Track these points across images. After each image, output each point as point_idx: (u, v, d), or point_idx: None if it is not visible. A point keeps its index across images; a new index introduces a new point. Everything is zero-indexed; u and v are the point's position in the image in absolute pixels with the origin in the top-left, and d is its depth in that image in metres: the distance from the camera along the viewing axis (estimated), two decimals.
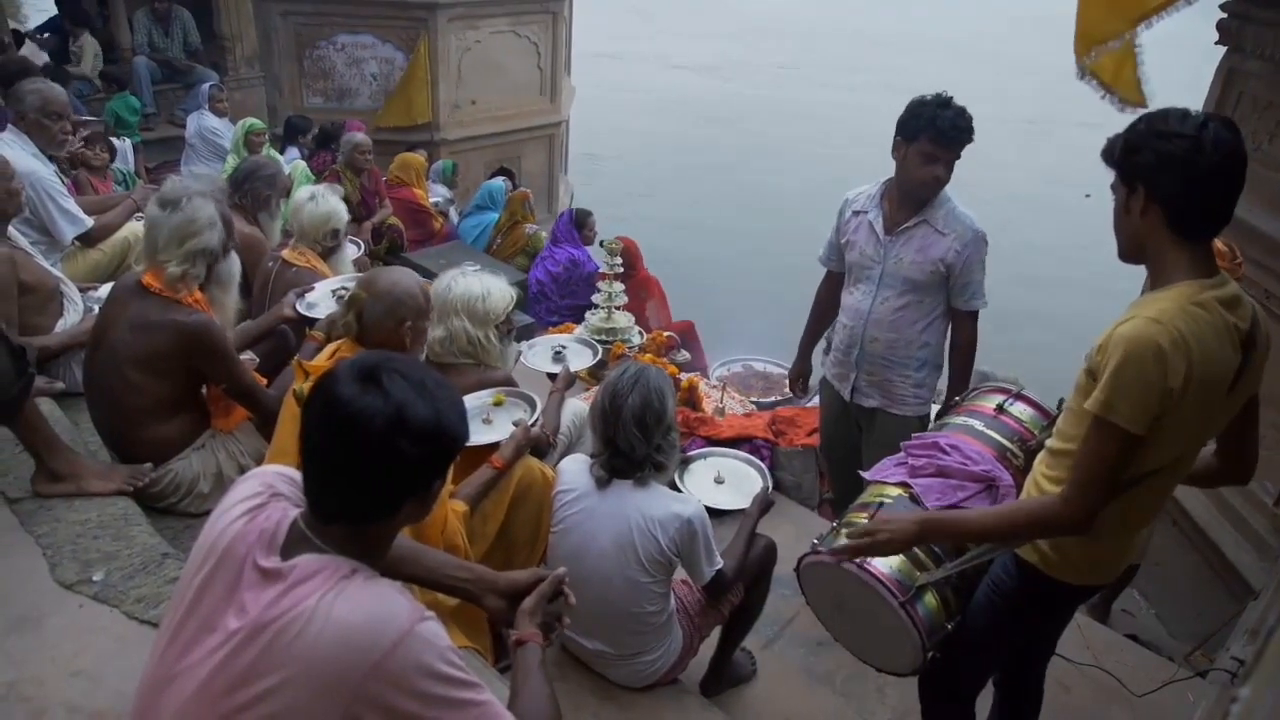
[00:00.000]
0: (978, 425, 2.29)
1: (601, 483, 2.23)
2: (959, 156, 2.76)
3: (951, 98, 2.73)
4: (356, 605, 1.19)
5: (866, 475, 2.33)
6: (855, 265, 3.01)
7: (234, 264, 2.80)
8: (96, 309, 2.92)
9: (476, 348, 2.65)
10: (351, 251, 4.05)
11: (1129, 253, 1.75)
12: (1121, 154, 1.67)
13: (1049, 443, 1.86)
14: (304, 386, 2.23)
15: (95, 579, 2.18)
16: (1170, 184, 1.60)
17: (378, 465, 1.22)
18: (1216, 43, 3.96)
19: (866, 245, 2.94)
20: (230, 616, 1.22)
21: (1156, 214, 1.64)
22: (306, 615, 1.18)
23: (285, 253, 3.57)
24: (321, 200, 3.63)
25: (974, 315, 2.94)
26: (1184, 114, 1.62)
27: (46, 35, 8.63)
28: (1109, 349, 1.60)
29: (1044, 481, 1.82)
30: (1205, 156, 1.55)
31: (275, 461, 2.13)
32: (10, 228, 3.06)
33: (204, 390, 2.77)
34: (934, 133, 2.68)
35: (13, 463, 2.54)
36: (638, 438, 2.15)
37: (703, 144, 15.51)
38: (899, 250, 2.87)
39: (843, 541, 2.01)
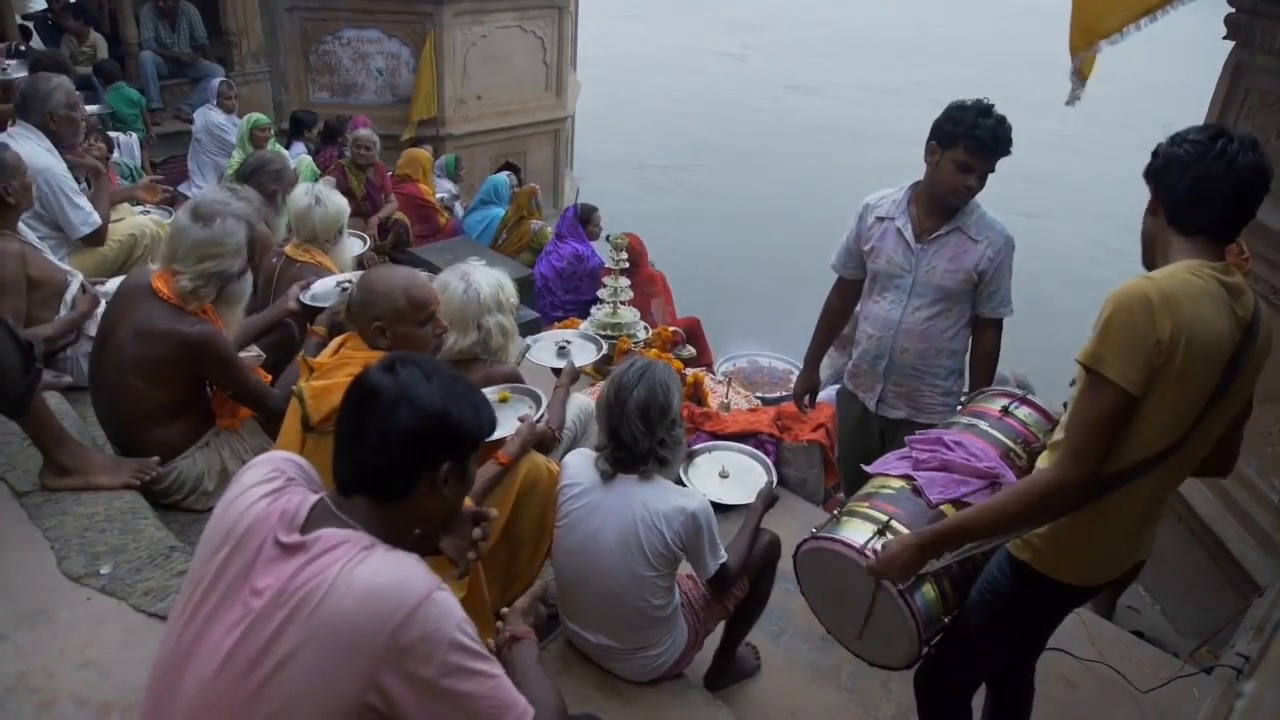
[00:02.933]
0: (982, 425, 2.29)
1: (606, 477, 2.23)
2: (994, 169, 2.68)
3: (993, 105, 2.64)
4: (378, 570, 1.24)
5: (869, 469, 2.31)
6: (882, 274, 2.91)
7: (246, 284, 2.77)
8: (104, 304, 2.93)
9: (507, 336, 2.65)
10: (355, 246, 4.04)
11: (1144, 254, 1.83)
12: (1149, 159, 1.77)
13: (1053, 438, 1.86)
14: (304, 385, 2.25)
15: (103, 572, 2.20)
16: (1171, 181, 1.71)
17: (381, 428, 1.33)
18: (1224, 37, 3.93)
19: (895, 253, 2.85)
20: (250, 591, 1.25)
21: (1161, 212, 1.74)
22: (329, 583, 1.22)
23: (289, 248, 3.57)
24: (327, 201, 3.61)
25: (999, 323, 2.88)
26: (1207, 127, 1.72)
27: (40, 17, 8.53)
28: (1101, 308, 1.65)
29: None
30: (1208, 161, 1.65)
31: None
32: (19, 222, 3.08)
33: (209, 389, 2.77)
34: (971, 142, 2.60)
35: (20, 456, 2.56)
36: (642, 431, 2.15)
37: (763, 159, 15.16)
38: (931, 259, 2.79)
39: (843, 531, 2.03)
